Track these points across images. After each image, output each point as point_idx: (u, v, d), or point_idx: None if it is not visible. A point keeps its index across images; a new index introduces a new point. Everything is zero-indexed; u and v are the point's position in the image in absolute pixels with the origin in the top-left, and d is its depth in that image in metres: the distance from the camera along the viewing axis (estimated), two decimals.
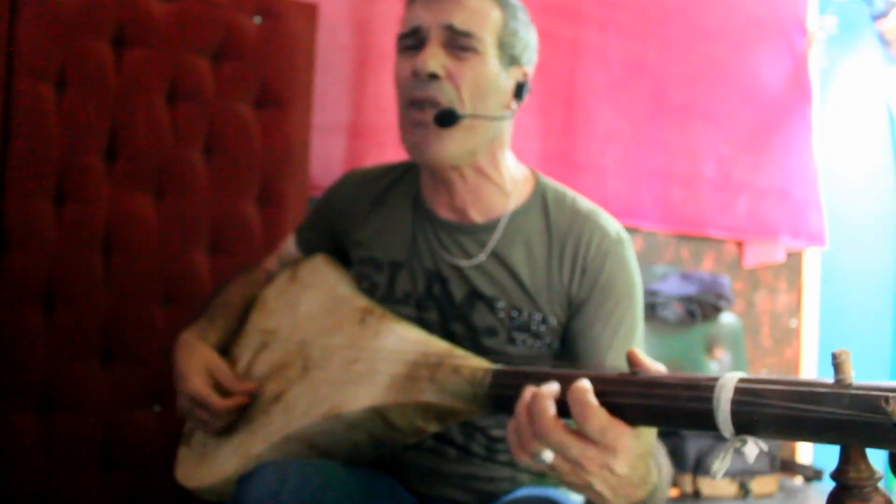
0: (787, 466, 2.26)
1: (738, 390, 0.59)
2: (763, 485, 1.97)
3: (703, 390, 0.62)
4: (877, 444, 0.53)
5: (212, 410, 1.03)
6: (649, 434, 0.70)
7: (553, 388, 0.69)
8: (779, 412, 0.57)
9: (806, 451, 2.67)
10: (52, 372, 1.45)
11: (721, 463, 0.63)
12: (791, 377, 0.59)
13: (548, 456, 0.67)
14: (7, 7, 1.42)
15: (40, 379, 1.44)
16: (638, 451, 0.68)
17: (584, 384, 0.67)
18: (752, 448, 0.60)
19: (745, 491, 1.93)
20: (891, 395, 0.50)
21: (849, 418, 0.53)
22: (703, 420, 0.62)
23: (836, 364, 0.54)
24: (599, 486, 0.68)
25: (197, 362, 1.07)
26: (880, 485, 0.55)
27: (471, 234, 1.08)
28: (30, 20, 1.43)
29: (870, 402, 0.52)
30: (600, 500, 0.70)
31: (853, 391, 0.53)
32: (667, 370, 0.70)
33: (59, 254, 1.46)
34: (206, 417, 1.04)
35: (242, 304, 1.22)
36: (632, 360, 0.71)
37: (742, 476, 1.94)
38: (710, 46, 2.41)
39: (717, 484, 1.91)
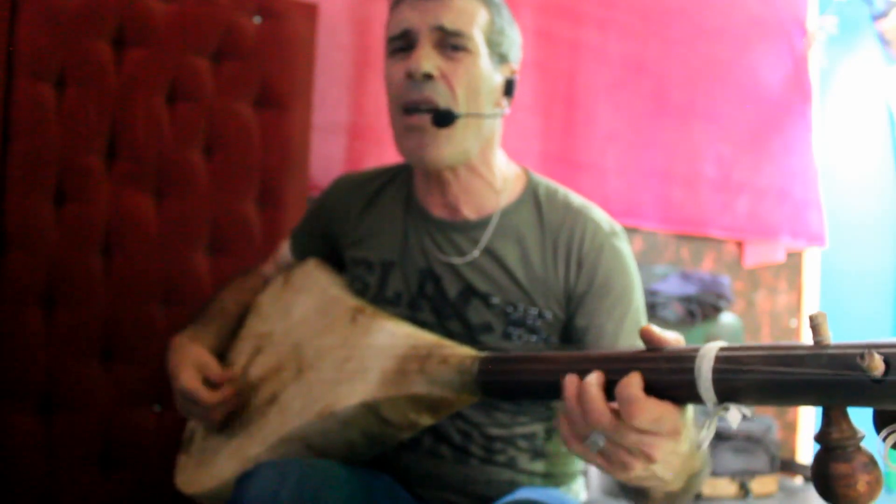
0: (787, 466, 2.26)
1: (718, 359, 0.60)
2: (763, 485, 1.97)
3: (685, 361, 0.62)
4: (857, 402, 0.53)
5: (202, 404, 1.03)
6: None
7: (598, 376, 0.66)
8: (760, 377, 0.57)
9: (806, 451, 2.67)
10: (52, 372, 1.45)
11: (707, 431, 0.63)
12: (771, 343, 0.59)
13: (600, 439, 0.64)
14: (7, 7, 1.42)
15: (40, 379, 1.44)
16: (688, 422, 0.66)
17: (632, 379, 0.63)
18: (735, 414, 0.60)
19: (745, 491, 1.93)
20: (866, 350, 0.50)
21: (828, 378, 0.53)
22: (686, 391, 0.62)
23: (814, 326, 0.55)
24: (662, 471, 0.66)
25: (186, 360, 1.07)
26: (862, 444, 0.55)
27: (463, 232, 1.08)
28: (30, 20, 1.44)
29: (847, 360, 0.52)
30: (659, 483, 0.67)
31: (830, 351, 0.53)
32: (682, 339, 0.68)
33: (59, 254, 1.46)
34: (199, 411, 1.05)
35: (237, 309, 1.22)
36: (647, 338, 0.67)
37: (742, 476, 1.94)
38: (710, 46, 2.41)
39: (717, 483, 1.91)
